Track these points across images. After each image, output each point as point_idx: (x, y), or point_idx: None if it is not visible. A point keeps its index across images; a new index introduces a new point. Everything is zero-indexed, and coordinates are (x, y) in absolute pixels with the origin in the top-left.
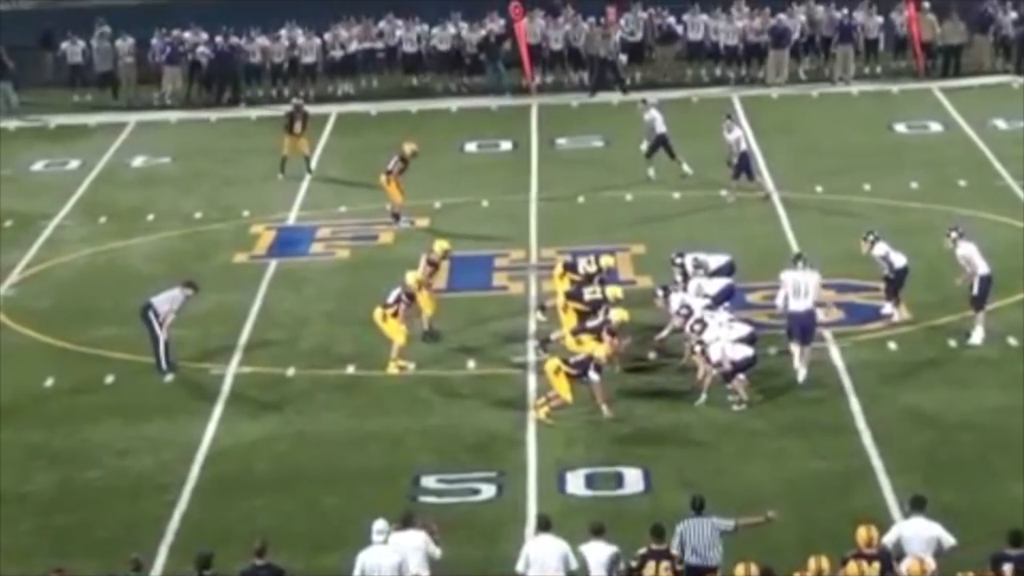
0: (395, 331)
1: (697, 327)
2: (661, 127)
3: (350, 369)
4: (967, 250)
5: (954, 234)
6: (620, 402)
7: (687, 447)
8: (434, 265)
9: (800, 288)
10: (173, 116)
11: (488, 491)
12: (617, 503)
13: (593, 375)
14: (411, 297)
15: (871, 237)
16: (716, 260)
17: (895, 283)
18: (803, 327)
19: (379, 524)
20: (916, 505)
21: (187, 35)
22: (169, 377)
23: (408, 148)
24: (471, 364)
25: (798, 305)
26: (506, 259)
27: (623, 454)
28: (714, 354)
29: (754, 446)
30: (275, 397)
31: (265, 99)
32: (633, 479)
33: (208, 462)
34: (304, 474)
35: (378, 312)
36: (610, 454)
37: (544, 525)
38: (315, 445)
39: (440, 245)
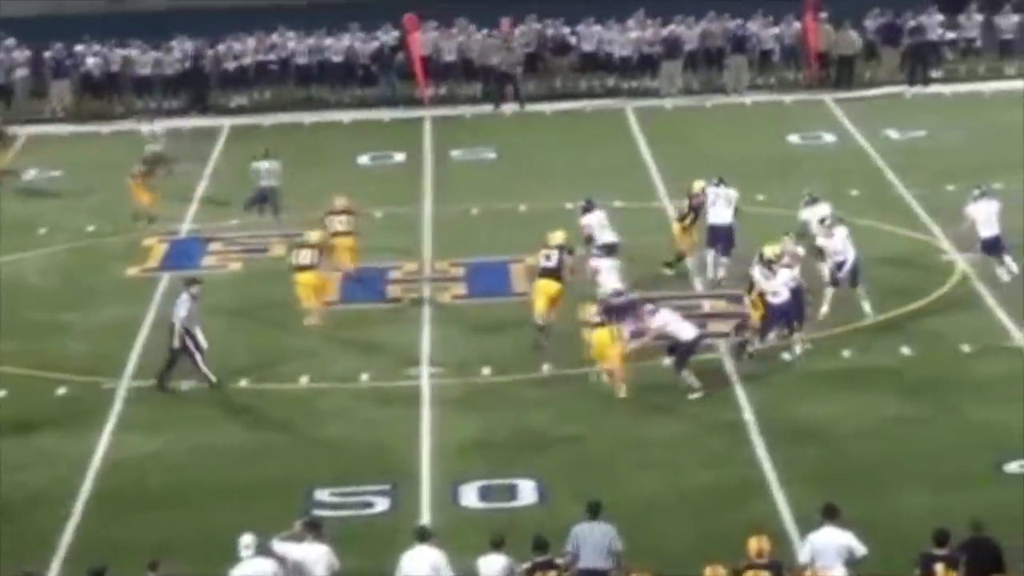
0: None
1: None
2: (270, 181)
3: (243, 383)
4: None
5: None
6: (515, 414)
7: (581, 458)
8: (571, 253)
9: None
10: (64, 129)
11: (382, 504)
12: (511, 515)
13: None
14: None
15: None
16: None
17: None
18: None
19: (246, 539)
20: (828, 514)
21: (79, 48)
22: (179, 386)
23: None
24: (364, 377)
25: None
26: (400, 271)
27: (517, 466)
28: (656, 321)
29: (648, 457)
30: (169, 410)
31: (159, 111)
32: (527, 491)
33: (101, 476)
34: (198, 487)
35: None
36: (504, 466)
37: (421, 536)
38: (209, 458)
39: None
